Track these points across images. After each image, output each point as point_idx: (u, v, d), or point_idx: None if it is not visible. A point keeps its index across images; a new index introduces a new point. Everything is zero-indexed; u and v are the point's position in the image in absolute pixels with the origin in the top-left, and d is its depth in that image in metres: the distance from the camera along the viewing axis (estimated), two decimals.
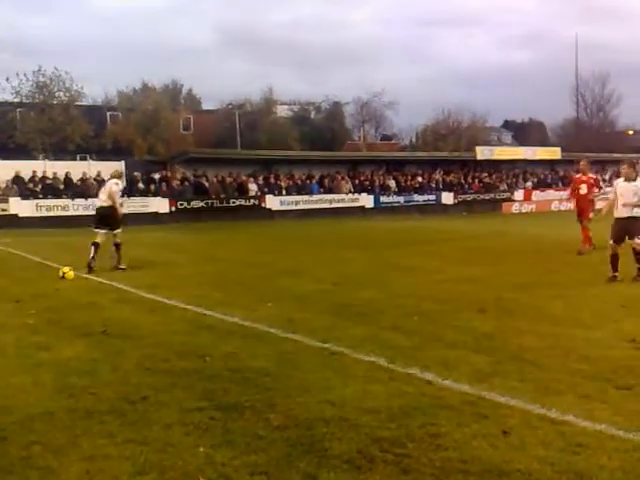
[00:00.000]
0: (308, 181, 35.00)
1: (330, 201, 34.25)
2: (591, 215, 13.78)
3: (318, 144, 45.01)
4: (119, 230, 12.49)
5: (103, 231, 12.32)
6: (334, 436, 3.84)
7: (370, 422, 4.06)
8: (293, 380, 4.96)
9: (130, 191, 30.09)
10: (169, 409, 4.36)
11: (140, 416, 4.25)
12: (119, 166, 31.27)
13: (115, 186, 12.54)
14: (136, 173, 31.42)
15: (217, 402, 4.48)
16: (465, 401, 4.42)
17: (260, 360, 5.53)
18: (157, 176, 31.76)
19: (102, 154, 36.88)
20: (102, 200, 12.72)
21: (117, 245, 12.43)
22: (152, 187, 30.72)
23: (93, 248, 12.00)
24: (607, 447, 3.62)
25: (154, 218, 28.60)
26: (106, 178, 14.92)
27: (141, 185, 30.60)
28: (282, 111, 51.19)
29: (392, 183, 37.27)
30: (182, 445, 3.76)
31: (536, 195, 39.51)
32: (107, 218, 12.47)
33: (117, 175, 13.56)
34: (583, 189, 14.10)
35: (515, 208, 37.26)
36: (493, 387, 4.68)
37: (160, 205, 30.01)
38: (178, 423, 4.10)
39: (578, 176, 14.73)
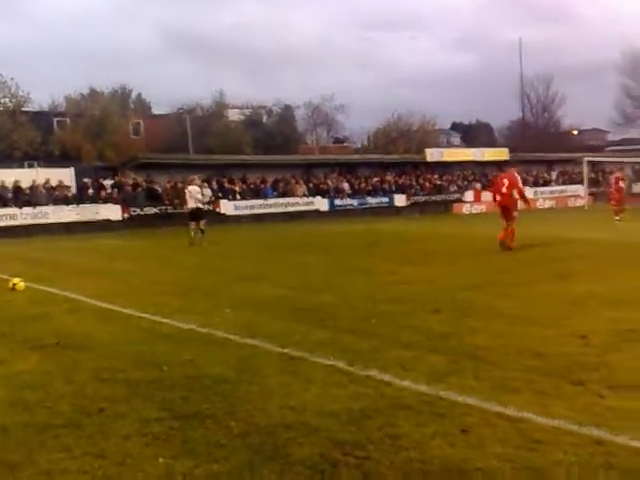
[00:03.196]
0: (262, 185, 34.91)
1: (285, 205, 34.22)
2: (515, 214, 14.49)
3: (271, 148, 44.93)
4: (204, 220, 18.98)
5: (194, 223, 18.75)
6: (296, 441, 3.84)
7: (331, 426, 4.07)
8: (253, 386, 4.94)
9: (80, 198, 29.54)
10: (127, 420, 4.29)
11: (97, 428, 4.17)
12: (69, 172, 30.84)
13: (205, 190, 19.87)
14: (86, 180, 30.83)
15: (176, 411, 4.43)
16: (423, 401, 4.48)
17: (219, 367, 5.49)
18: (108, 182, 31.21)
19: (49, 161, 36.07)
20: (194, 203, 18.91)
21: (202, 231, 18.62)
22: (103, 194, 30.17)
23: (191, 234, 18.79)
24: (563, 442, 3.72)
25: (106, 225, 28.13)
26: (189, 186, 19.92)
27: (91, 191, 30.04)
28: (234, 115, 50.92)
29: (346, 186, 37.47)
30: (141, 456, 3.71)
31: (485, 196, 40.19)
32: (198, 215, 18.91)
33: (194, 181, 20.22)
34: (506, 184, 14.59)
35: (466, 209, 37.87)
36: (450, 386, 4.75)
37: (112, 212, 29.49)
38: (136, 434, 4.04)
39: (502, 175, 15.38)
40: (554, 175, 46.20)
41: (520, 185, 14.97)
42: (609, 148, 59.80)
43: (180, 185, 31.59)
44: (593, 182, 41.80)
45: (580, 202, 38.82)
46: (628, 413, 4.12)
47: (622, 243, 15.24)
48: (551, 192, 42.89)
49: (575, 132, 65.43)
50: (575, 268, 11.06)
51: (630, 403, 4.31)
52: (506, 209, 14.44)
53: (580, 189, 41.23)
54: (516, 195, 14.53)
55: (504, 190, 14.45)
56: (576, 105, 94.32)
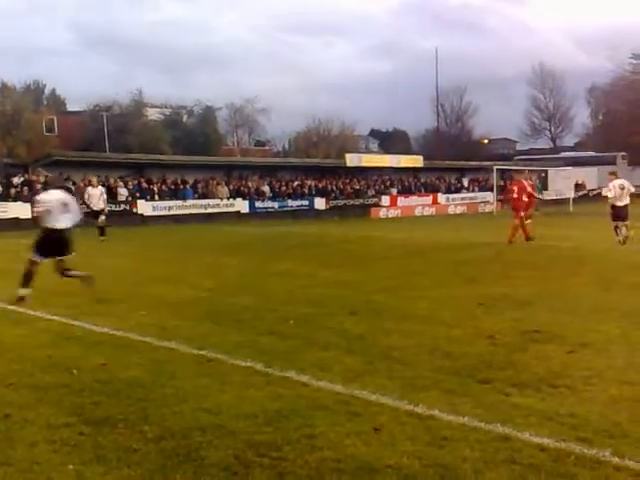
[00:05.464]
0: (182, 186, 34.33)
1: (205, 206, 33.75)
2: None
3: (191, 148, 44.25)
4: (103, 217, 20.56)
5: (100, 219, 20.33)
6: (211, 444, 3.83)
7: (247, 427, 4.08)
8: (168, 389, 4.87)
9: None
10: (34, 426, 4.15)
11: (3, 435, 4.01)
12: None
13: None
14: None
15: (87, 416, 4.31)
16: (339, 401, 4.56)
17: (133, 370, 5.39)
18: (18, 180, 29.87)
19: None
20: (95, 204, 20.71)
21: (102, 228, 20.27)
22: (12, 192, 28.86)
23: (99, 231, 20.02)
24: (470, 439, 3.86)
25: (15, 224, 26.84)
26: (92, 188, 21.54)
27: (0, 189, 28.67)
28: (153, 114, 49.83)
29: (266, 188, 37.43)
30: (49, 463, 3.60)
31: (401, 201, 41.25)
32: (98, 213, 20.46)
33: (95, 184, 21.82)
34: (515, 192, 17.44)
35: (383, 213, 38.58)
36: (365, 386, 4.86)
37: (21, 210, 28.15)
38: (44, 441, 3.91)
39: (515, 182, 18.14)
40: (465, 182, 47.72)
41: (529, 189, 17.94)
42: (517, 157, 62.41)
43: (81, 185, 30.57)
44: (502, 189, 43.47)
45: (489, 208, 40.29)
46: (532, 410, 4.32)
47: (526, 247, 15.95)
48: (462, 199, 44.28)
49: (486, 141, 67.90)
50: (482, 271, 11.50)
51: (534, 401, 4.53)
52: (516, 209, 17.45)
53: (489, 196, 42.77)
54: (525, 198, 17.50)
55: (515, 195, 17.55)
56: (487, 115, 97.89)
